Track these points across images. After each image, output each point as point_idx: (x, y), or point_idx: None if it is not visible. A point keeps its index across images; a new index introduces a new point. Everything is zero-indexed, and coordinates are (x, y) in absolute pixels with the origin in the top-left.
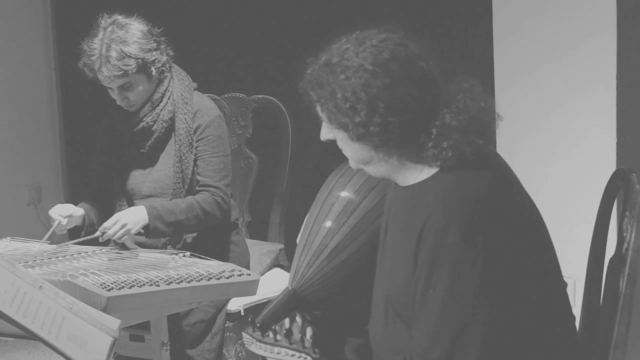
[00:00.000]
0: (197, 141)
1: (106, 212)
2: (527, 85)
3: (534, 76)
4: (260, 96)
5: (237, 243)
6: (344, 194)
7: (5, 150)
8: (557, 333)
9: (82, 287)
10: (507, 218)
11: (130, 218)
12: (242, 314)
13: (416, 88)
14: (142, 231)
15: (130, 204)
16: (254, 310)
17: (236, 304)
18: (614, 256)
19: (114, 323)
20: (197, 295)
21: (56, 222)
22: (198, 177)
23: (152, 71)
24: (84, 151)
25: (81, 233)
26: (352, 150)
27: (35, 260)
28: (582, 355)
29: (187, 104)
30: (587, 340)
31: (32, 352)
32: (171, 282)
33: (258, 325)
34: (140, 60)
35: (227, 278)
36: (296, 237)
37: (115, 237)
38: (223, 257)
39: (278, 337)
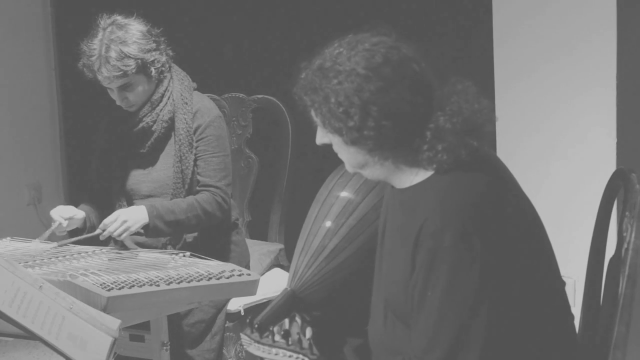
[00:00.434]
0: (197, 141)
1: (106, 212)
2: (527, 86)
3: (534, 76)
4: (260, 96)
5: (237, 243)
6: (344, 194)
7: (5, 150)
8: (557, 333)
9: (82, 287)
10: (504, 219)
11: (131, 216)
12: (242, 314)
13: (409, 91)
14: (142, 230)
15: (130, 204)
16: (254, 310)
17: (236, 304)
18: (614, 256)
19: (114, 323)
20: (197, 295)
21: (56, 223)
22: (198, 177)
23: (151, 71)
24: (84, 151)
25: (81, 235)
26: (347, 154)
27: (35, 260)
28: (582, 355)
29: (186, 104)
30: (587, 340)
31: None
32: (171, 282)
33: (256, 326)
34: (139, 61)
35: (227, 278)
36: (296, 237)
37: (115, 234)
38: (223, 257)
39: (276, 338)
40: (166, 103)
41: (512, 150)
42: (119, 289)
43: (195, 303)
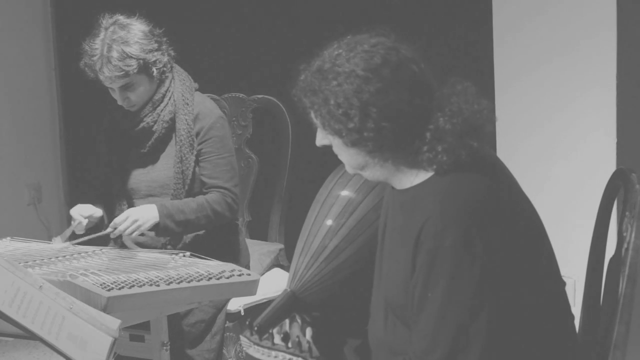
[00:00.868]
0: (201, 143)
1: (109, 212)
2: (527, 86)
3: (534, 76)
4: (260, 96)
5: (237, 243)
6: (344, 193)
7: (5, 150)
8: (557, 333)
9: (82, 287)
10: (504, 219)
11: (142, 214)
12: (242, 314)
13: (408, 92)
14: (147, 232)
15: (130, 203)
16: (254, 310)
17: (236, 304)
18: (614, 256)
19: (114, 323)
20: (197, 295)
21: (76, 222)
22: (206, 180)
23: (153, 71)
24: (84, 151)
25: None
26: (347, 155)
27: (35, 260)
28: (582, 355)
29: (188, 104)
30: (587, 340)
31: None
32: (171, 282)
33: (256, 328)
34: (141, 61)
35: (227, 278)
36: (296, 237)
37: (126, 233)
38: (223, 257)
39: (276, 340)
40: (167, 103)
41: (512, 150)
42: (119, 289)
43: (195, 303)
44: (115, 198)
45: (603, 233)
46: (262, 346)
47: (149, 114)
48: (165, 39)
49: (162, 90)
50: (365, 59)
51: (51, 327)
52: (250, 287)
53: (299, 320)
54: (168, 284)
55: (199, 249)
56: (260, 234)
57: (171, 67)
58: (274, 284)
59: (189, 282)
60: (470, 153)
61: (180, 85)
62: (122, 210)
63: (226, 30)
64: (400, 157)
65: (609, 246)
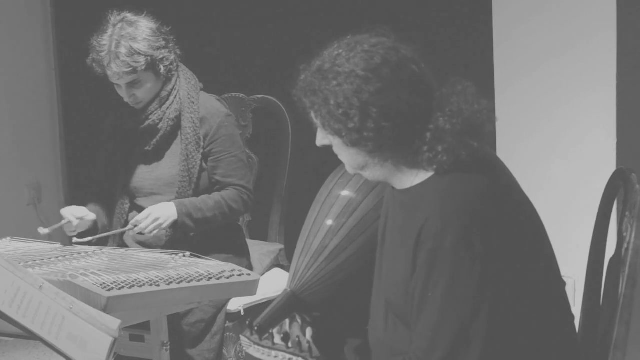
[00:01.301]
0: (211, 143)
1: (110, 210)
2: (527, 85)
3: (534, 76)
4: (260, 96)
5: (240, 244)
6: (344, 193)
7: (5, 150)
8: (557, 333)
9: (82, 287)
10: (505, 219)
11: (162, 213)
12: (242, 314)
13: (408, 92)
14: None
15: (133, 202)
16: (254, 310)
17: (236, 304)
18: (614, 256)
19: (114, 323)
20: (197, 295)
21: (65, 221)
22: (220, 178)
23: (160, 69)
24: (84, 151)
25: (92, 237)
26: (347, 155)
27: (35, 260)
28: (582, 355)
29: (193, 103)
30: (587, 340)
31: (32, 352)
32: (171, 282)
33: (256, 328)
34: (149, 58)
35: (227, 278)
36: (296, 237)
37: (146, 231)
38: (226, 257)
39: (276, 340)
40: (173, 101)
41: (512, 150)
42: (119, 289)
43: (195, 303)
44: (118, 196)
45: (603, 233)
46: (262, 346)
47: (155, 112)
48: (172, 37)
49: (168, 88)
50: (365, 59)
51: (51, 327)
52: (250, 287)
53: (299, 320)
54: (168, 284)
55: (200, 248)
56: (260, 234)
57: (177, 65)
58: (274, 284)
59: (189, 282)
60: (470, 153)
61: (186, 84)
62: (124, 209)
63: (226, 30)
64: (400, 157)
65: (609, 246)
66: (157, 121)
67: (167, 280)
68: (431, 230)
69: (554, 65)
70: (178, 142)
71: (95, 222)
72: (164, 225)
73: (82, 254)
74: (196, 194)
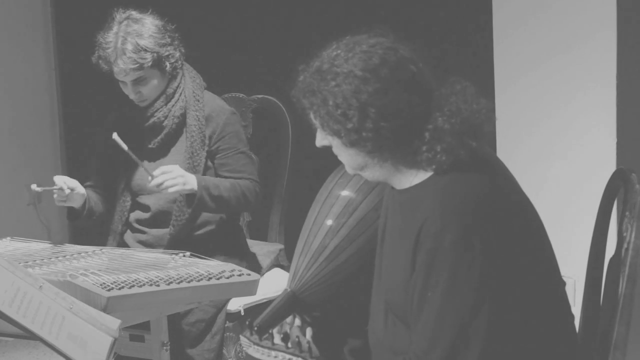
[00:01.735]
0: (218, 141)
1: (103, 199)
2: (527, 85)
3: (534, 76)
4: (260, 96)
5: (243, 244)
6: (344, 193)
7: (5, 150)
8: (557, 333)
9: (82, 287)
10: (504, 219)
11: (186, 175)
12: (242, 314)
13: (407, 92)
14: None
15: (135, 199)
16: (254, 310)
17: (236, 304)
18: (614, 256)
19: (114, 323)
20: (197, 295)
21: (57, 186)
22: (230, 174)
23: (166, 66)
24: (84, 151)
25: (78, 217)
26: (347, 156)
27: (35, 260)
28: (582, 355)
29: (198, 101)
30: (587, 340)
31: (32, 352)
32: (171, 282)
33: (256, 328)
34: (155, 54)
35: (227, 278)
36: (296, 237)
37: (167, 183)
38: (230, 258)
39: (275, 340)
40: (178, 99)
41: (512, 150)
42: (119, 289)
43: (195, 303)
44: (120, 193)
45: (603, 233)
46: (262, 346)
47: (161, 109)
48: (177, 34)
49: (174, 85)
50: (363, 60)
51: (51, 327)
52: (250, 287)
53: (299, 321)
54: (168, 284)
55: (200, 248)
56: (260, 234)
57: (182, 63)
58: (274, 284)
59: (189, 282)
60: (469, 153)
61: (191, 82)
62: (125, 206)
63: (226, 30)
64: (399, 158)
65: (609, 246)
66: (163, 118)
67: (167, 280)
68: (431, 230)
69: (554, 65)
70: (183, 139)
71: (84, 202)
72: (185, 188)
73: (82, 254)
74: None
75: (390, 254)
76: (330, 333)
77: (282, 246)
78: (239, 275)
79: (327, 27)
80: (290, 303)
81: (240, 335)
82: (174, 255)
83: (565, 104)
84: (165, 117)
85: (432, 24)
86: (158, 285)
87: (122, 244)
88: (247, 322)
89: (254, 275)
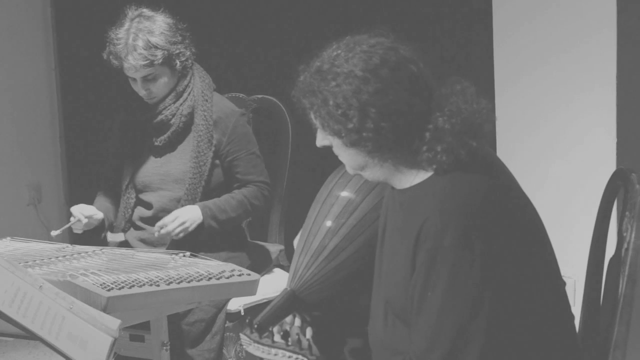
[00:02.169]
0: (228, 143)
1: (118, 204)
2: (527, 85)
3: (534, 76)
4: (260, 96)
5: (245, 245)
6: (344, 194)
7: (5, 150)
8: (557, 333)
9: (82, 287)
10: (504, 219)
11: (189, 216)
12: (242, 314)
13: (407, 92)
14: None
15: (138, 196)
16: (253, 310)
17: (236, 304)
18: (614, 256)
19: (114, 323)
20: (197, 295)
21: (75, 219)
22: (240, 176)
23: (176, 64)
24: (84, 151)
25: (101, 235)
26: (347, 156)
27: (35, 260)
28: (582, 355)
29: (207, 101)
30: (587, 340)
31: (32, 352)
32: (171, 282)
33: (256, 326)
34: (166, 52)
35: (227, 278)
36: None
37: (173, 234)
38: (233, 258)
39: (275, 338)
40: (187, 98)
41: (512, 150)
42: (119, 289)
43: (195, 303)
44: (124, 190)
45: (603, 233)
46: (262, 344)
47: (169, 107)
48: (188, 33)
49: (183, 84)
50: (364, 60)
51: (51, 327)
52: (250, 287)
53: (299, 320)
54: (168, 284)
55: (200, 249)
56: (260, 235)
57: (192, 63)
58: (274, 284)
59: (189, 282)
60: (470, 153)
61: (200, 82)
62: (129, 203)
63: (226, 30)
64: (399, 158)
65: (609, 246)
66: (170, 117)
67: (167, 280)
68: (431, 230)
69: (554, 65)
70: (190, 139)
71: (103, 221)
72: (190, 228)
73: (82, 254)
74: (206, 191)
75: (390, 254)
76: (330, 333)
77: (282, 247)
78: (239, 275)
79: (327, 27)
80: (290, 302)
81: (240, 334)
82: (174, 255)
83: (565, 104)
84: (173, 116)
85: (432, 24)
86: (158, 285)
87: (125, 242)
88: (247, 320)
89: (254, 275)
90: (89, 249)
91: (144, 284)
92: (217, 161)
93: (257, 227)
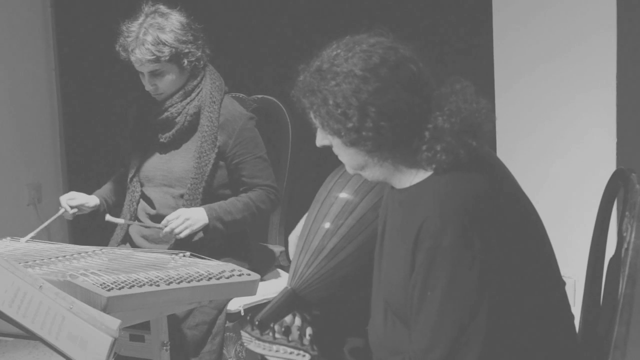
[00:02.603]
0: (235, 146)
1: (122, 196)
2: (527, 85)
3: (534, 76)
4: (260, 96)
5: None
6: (343, 195)
7: (5, 150)
8: (557, 333)
9: (82, 287)
10: (504, 218)
11: (192, 215)
12: (242, 314)
13: (407, 92)
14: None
15: (142, 191)
16: (253, 310)
17: (236, 304)
18: (614, 256)
19: (114, 323)
20: (197, 295)
21: (61, 211)
22: (246, 180)
23: (184, 62)
24: (84, 151)
25: (98, 218)
26: (347, 155)
27: (35, 260)
28: (582, 355)
29: (214, 102)
30: (587, 340)
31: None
32: (171, 282)
33: (257, 323)
34: (174, 49)
35: (227, 278)
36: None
37: (176, 231)
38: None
39: (277, 335)
40: (194, 98)
41: (512, 150)
42: (119, 289)
43: (195, 303)
44: (129, 184)
45: (603, 233)
46: (263, 340)
47: (175, 105)
48: (202, 34)
49: (193, 83)
50: (363, 59)
51: (51, 327)
52: (250, 287)
53: (299, 320)
54: (168, 284)
55: (201, 249)
56: (260, 235)
57: (204, 64)
58: (274, 284)
59: (189, 282)
60: (469, 152)
61: (210, 83)
62: (135, 197)
63: (226, 30)
64: (399, 157)
65: (609, 246)
66: (176, 114)
67: (167, 280)
68: (430, 230)
69: (554, 65)
70: (195, 138)
71: (99, 207)
72: (195, 228)
73: (82, 254)
74: (208, 191)
75: (389, 254)
76: (330, 332)
77: (282, 248)
78: (239, 275)
79: (327, 27)
80: (291, 300)
81: (241, 331)
82: (174, 255)
83: (565, 104)
84: (179, 114)
85: (432, 24)
86: (158, 285)
87: (128, 237)
88: (247, 318)
89: (254, 275)
90: (89, 249)
91: (144, 284)
92: (222, 162)
93: (257, 228)
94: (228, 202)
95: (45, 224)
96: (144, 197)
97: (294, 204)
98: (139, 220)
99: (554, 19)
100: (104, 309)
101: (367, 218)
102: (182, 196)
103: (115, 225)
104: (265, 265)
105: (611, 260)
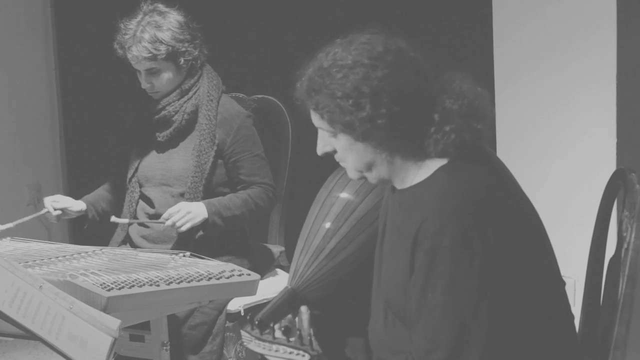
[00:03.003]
0: (233, 144)
1: (118, 198)
2: (527, 85)
3: (534, 76)
4: (260, 96)
5: (248, 245)
6: (344, 195)
7: (5, 150)
8: (557, 332)
9: (82, 287)
10: (504, 218)
11: (194, 209)
12: (242, 314)
13: (414, 76)
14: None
15: (141, 190)
16: (253, 310)
17: (236, 304)
18: (614, 256)
19: (114, 323)
20: (197, 295)
21: (44, 210)
22: (244, 178)
23: (181, 61)
24: (84, 151)
25: (84, 225)
26: (354, 154)
27: (35, 260)
28: (582, 355)
29: (212, 101)
30: (587, 340)
31: (32, 352)
32: (171, 282)
33: (257, 322)
34: (170, 48)
35: (227, 278)
36: (296, 238)
37: (178, 224)
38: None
39: (277, 334)
40: (192, 96)
41: (512, 149)
42: (119, 289)
43: (195, 303)
44: (129, 183)
45: (603, 233)
46: (263, 340)
47: (172, 103)
48: (200, 34)
49: (190, 82)
50: (367, 49)
51: (51, 327)
52: (250, 287)
53: (299, 320)
54: (168, 284)
55: (201, 248)
56: (260, 236)
57: (202, 64)
58: (274, 284)
59: (189, 282)
60: (474, 137)
61: (207, 82)
62: (133, 197)
63: (226, 30)
64: (408, 148)
65: (609, 246)
66: (173, 113)
67: (167, 280)
68: (429, 230)
69: (554, 65)
70: (193, 137)
71: (86, 212)
72: (196, 221)
73: (82, 254)
74: (207, 190)
75: (389, 254)
76: (331, 332)
77: (282, 248)
78: (239, 275)
79: (327, 27)
80: (291, 300)
81: (241, 331)
82: (174, 255)
83: (566, 103)
84: (176, 112)
85: (432, 24)
86: (158, 285)
87: (128, 238)
88: (247, 318)
89: (254, 275)
90: (89, 249)
91: (144, 284)
92: (220, 161)
93: (257, 228)
94: (227, 198)
95: (24, 219)
96: (143, 197)
97: (294, 204)
98: (138, 223)
99: (554, 18)
100: (104, 309)
101: (367, 218)
102: (181, 195)
103: (116, 225)
104: (265, 265)
105: (611, 260)
